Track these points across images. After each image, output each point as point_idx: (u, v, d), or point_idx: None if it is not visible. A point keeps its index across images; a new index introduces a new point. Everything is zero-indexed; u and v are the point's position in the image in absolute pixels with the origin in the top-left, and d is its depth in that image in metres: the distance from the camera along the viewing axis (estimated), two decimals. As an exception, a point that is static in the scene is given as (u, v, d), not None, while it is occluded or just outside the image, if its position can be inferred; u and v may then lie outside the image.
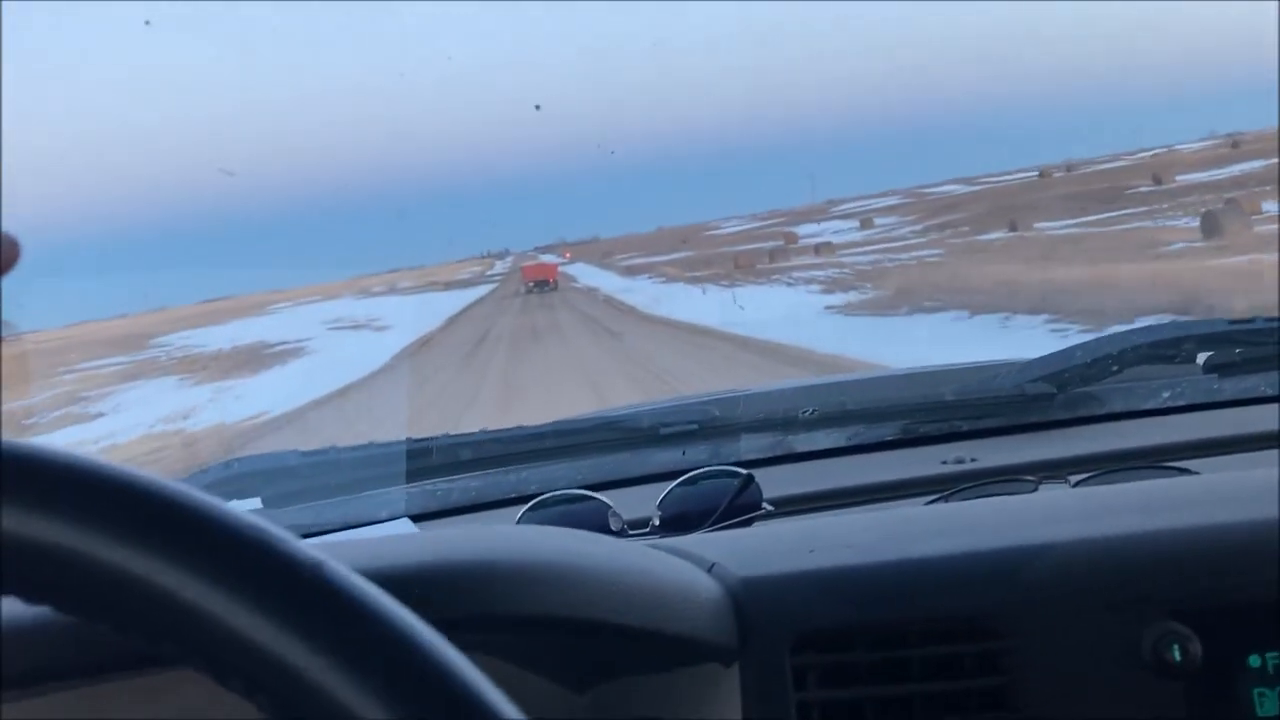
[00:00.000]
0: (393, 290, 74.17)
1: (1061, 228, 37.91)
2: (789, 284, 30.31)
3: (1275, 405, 1.49)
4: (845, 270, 32.04)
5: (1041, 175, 71.92)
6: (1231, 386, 1.60)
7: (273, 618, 0.43)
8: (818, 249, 44.83)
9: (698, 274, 39.13)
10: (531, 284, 46.08)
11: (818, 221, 76.00)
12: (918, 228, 53.89)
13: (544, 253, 77.49)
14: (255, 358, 28.12)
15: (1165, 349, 1.63)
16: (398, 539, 1.04)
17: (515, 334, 24.14)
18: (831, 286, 27.32)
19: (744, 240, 68.89)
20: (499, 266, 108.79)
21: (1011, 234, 38.21)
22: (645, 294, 32.84)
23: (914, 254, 35.12)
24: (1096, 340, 1.70)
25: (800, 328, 16.74)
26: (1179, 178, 48.41)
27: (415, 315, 36.28)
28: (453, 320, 33.25)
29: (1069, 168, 74.10)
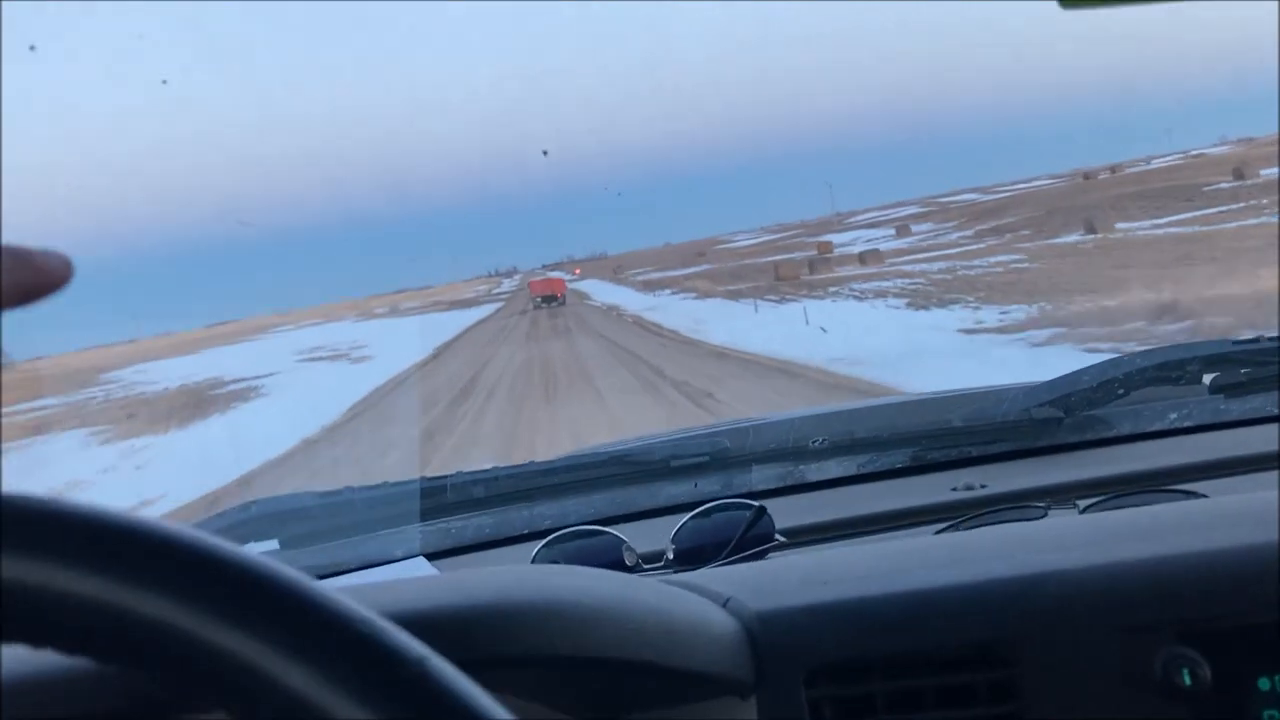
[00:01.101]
0: (395, 311, 70.37)
1: (1152, 227, 32.43)
2: (856, 297, 23.94)
3: None
4: (918, 280, 26.03)
5: (1086, 177, 67.41)
6: (1238, 407, 1.53)
7: (373, 708, 0.42)
8: (863, 257, 38.56)
9: (735, 288, 32.62)
10: (539, 299, 43.67)
11: (836, 231, 70.59)
12: (967, 233, 47.84)
13: (552, 270, 72.72)
14: (200, 400, 22.65)
15: (1171, 371, 1.57)
16: (416, 581, 0.96)
17: (518, 381, 17.21)
18: (920, 300, 21.02)
19: (764, 252, 63.38)
20: (506, 284, 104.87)
21: (1091, 236, 32.41)
22: (681, 313, 26.22)
23: (990, 260, 29.10)
24: (1103, 363, 1.61)
25: (994, 370, 9.94)
26: (1262, 173, 42.23)
27: (404, 342, 29.97)
28: (440, 353, 26.24)
29: (1113, 169, 69.76)
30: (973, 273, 26.05)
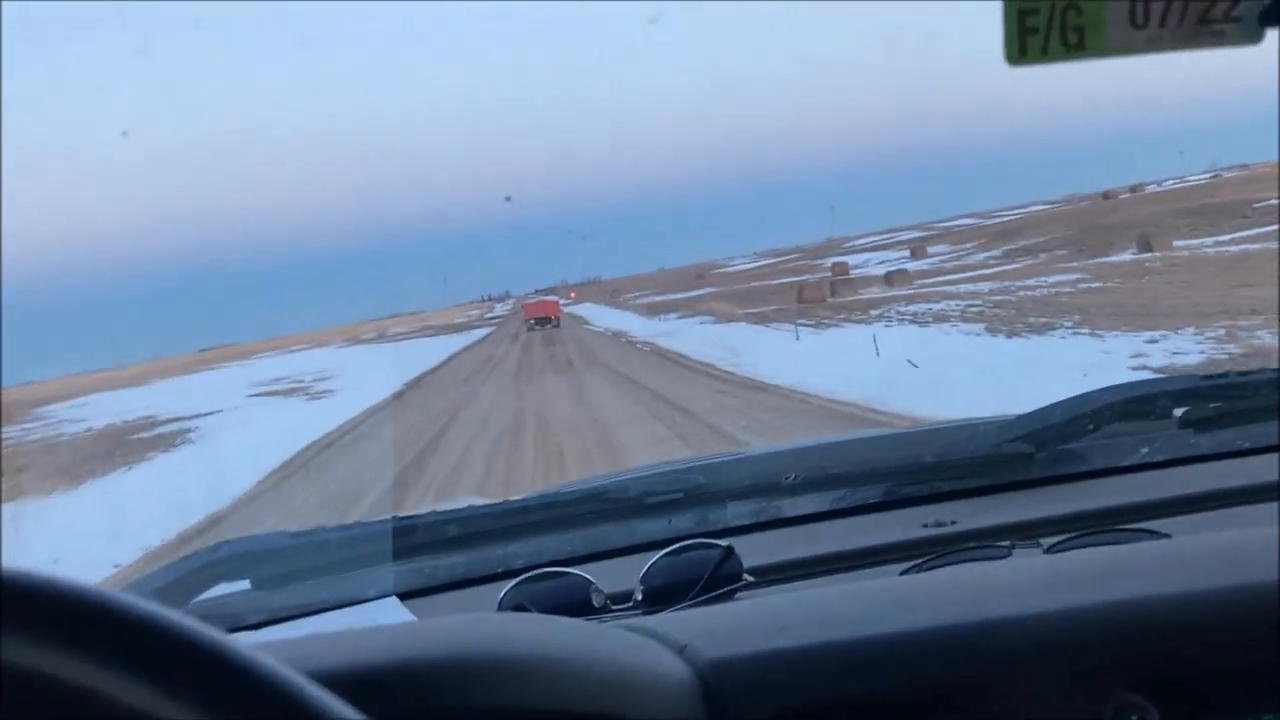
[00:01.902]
0: (383, 336, 66.74)
1: (1215, 245, 28.81)
2: (913, 322, 19.41)
3: (1252, 459, 1.43)
4: (972, 301, 22.01)
5: (1106, 197, 63.72)
6: (1208, 441, 1.51)
7: None
8: (889, 278, 34.09)
9: (756, 310, 28.03)
10: (533, 322, 41.87)
11: (839, 255, 66.39)
12: (993, 254, 43.60)
13: (546, 294, 68.58)
14: (118, 445, 18.17)
15: (1141, 405, 1.55)
16: (373, 632, 0.91)
17: (496, 461, 10.75)
18: (998, 324, 16.90)
19: (766, 275, 59.18)
20: (499, 309, 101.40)
21: (1148, 254, 28.64)
22: (704, 339, 21.52)
23: (1047, 280, 25.18)
24: (1074, 398, 1.56)
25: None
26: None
27: (375, 372, 25.37)
28: (403, 394, 20.82)
29: (1133, 189, 66.19)
30: (1036, 294, 21.82)
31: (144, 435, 19.15)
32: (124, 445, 17.90)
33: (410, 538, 1.42)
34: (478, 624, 0.86)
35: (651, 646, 0.82)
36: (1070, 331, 14.64)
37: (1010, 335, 15.41)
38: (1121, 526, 1.21)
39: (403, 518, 1.45)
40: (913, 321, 19.60)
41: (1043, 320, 16.34)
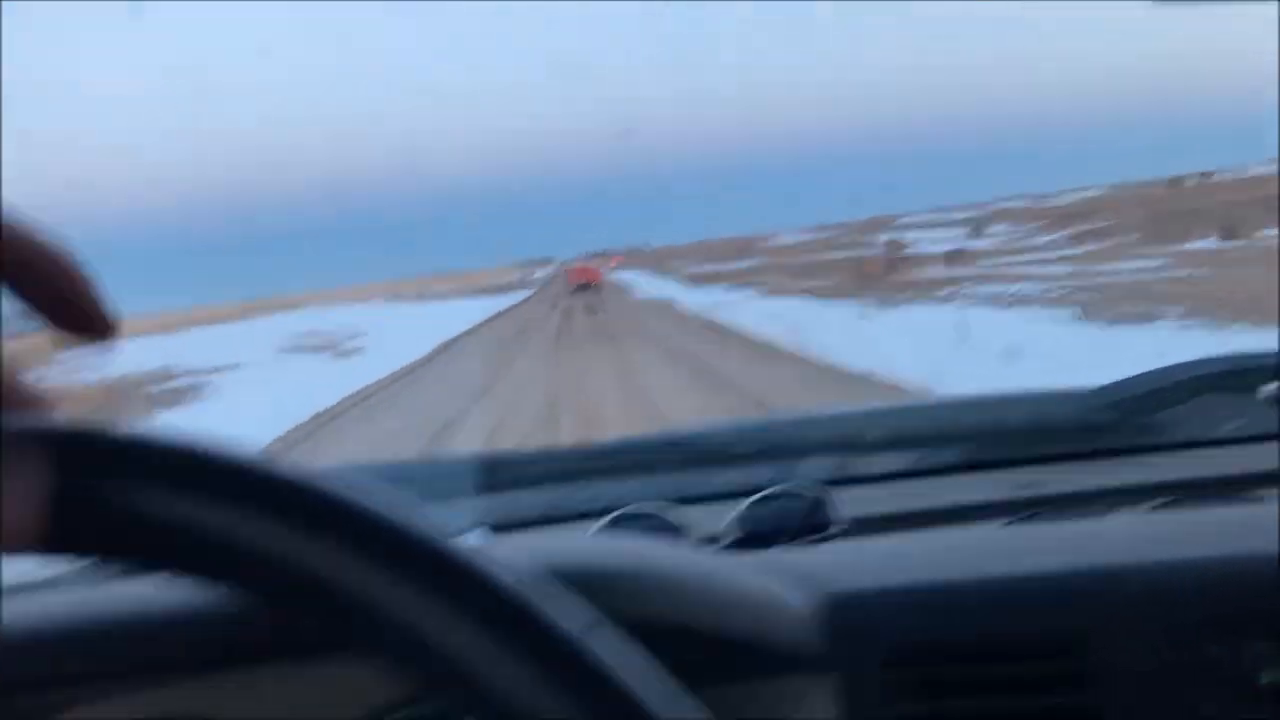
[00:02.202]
0: (423, 295, 65.84)
1: None
2: (994, 305, 17.74)
3: None
4: (1047, 284, 20.44)
5: (1170, 184, 61.53)
6: None
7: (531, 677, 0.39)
8: (948, 257, 32.27)
9: (814, 284, 26.36)
10: (575, 287, 42.53)
11: (891, 231, 64.32)
12: (1056, 236, 41.47)
13: (591, 260, 67.13)
14: (120, 400, 16.72)
15: (1231, 379, 1.48)
16: (502, 544, 0.92)
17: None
18: (1094, 311, 15.13)
19: (813, 250, 57.25)
20: (539, 273, 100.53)
21: (1232, 242, 26.80)
22: (760, 314, 19.79)
23: (1130, 265, 23.47)
24: (1162, 369, 1.50)
25: None
26: None
27: (407, 333, 24.02)
28: (434, 359, 19.17)
29: (1203, 175, 63.96)
30: (1120, 279, 20.01)
31: (154, 389, 17.83)
32: (130, 400, 16.59)
33: (492, 475, 1.40)
34: (613, 541, 0.84)
35: (772, 578, 0.80)
36: (1180, 325, 12.92)
37: (1110, 323, 13.72)
38: (1220, 494, 1.17)
39: (486, 454, 1.45)
40: (990, 304, 17.89)
41: (1139, 310, 14.62)
